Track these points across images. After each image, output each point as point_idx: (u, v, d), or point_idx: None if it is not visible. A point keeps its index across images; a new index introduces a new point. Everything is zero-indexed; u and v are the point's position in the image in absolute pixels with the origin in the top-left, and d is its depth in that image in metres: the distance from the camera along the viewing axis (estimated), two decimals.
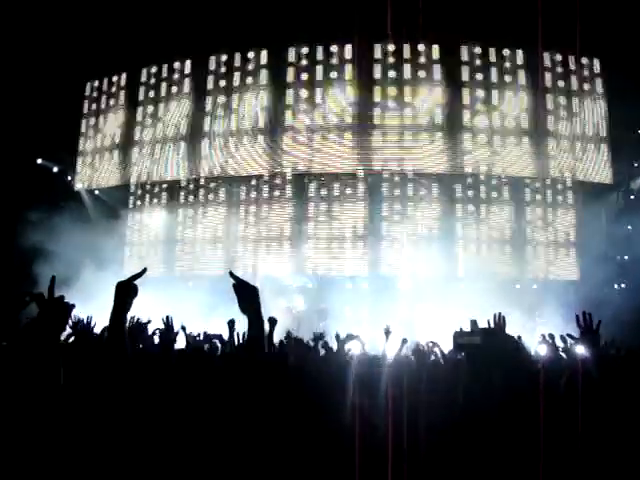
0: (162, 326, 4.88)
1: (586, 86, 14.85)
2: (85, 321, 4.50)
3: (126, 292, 2.48)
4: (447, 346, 6.42)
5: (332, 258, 14.35)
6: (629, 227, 13.96)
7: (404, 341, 5.60)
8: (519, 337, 5.71)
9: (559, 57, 14.89)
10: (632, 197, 14.26)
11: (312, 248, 14.41)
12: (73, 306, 2.70)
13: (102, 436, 2.54)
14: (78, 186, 16.35)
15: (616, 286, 13.77)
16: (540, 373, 2.96)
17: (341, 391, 3.82)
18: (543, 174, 14.63)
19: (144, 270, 2.43)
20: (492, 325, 3.20)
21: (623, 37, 12.88)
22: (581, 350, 3.40)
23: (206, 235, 15.08)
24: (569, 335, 3.11)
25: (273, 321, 5.67)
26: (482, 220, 14.44)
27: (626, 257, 13.91)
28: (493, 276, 14.10)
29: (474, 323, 5.78)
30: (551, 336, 5.95)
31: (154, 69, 16.06)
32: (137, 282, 2.47)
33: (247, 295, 2.27)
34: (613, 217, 13.69)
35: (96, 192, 16.16)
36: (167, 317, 4.89)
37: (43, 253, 14.36)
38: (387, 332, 5.71)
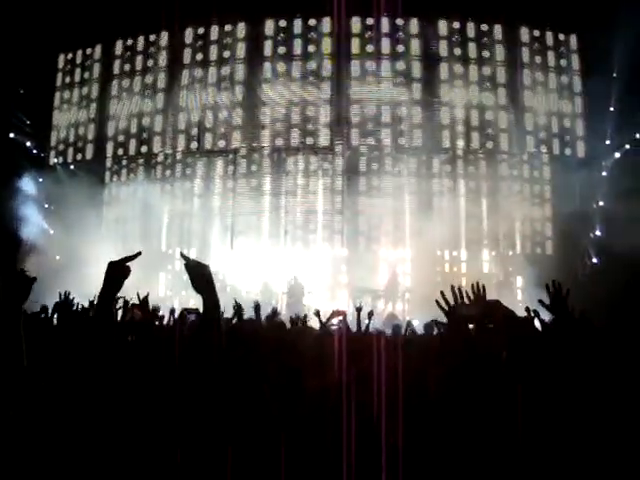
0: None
1: (563, 62, 14.93)
2: (63, 296, 4.44)
3: (118, 272, 2.48)
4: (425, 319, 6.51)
5: (310, 232, 14.41)
6: (601, 203, 14.18)
7: (370, 314, 5.64)
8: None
9: (537, 33, 14.94)
10: (604, 174, 14.44)
11: (290, 222, 14.45)
12: (34, 279, 2.70)
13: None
14: (53, 161, 16.12)
15: (593, 261, 14.05)
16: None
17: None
18: (520, 149, 14.74)
19: (138, 253, 2.42)
20: (471, 295, 3.24)
21: (599, 14, 12.96)
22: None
23: (184, 209, 15.00)
24: (539, 301, 3.16)
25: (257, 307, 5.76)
26: (459, 195, 14.54)
27: (598, 233, 14.15)
28: (470, 251, 14.36)
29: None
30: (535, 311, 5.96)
31: (129, 41, 15.77)
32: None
33: (199, 274, 2.27)
34: (586, 193, 13.88)
35: (71, 167, 15.93)
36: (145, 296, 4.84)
37: (23, 229, 14.26)
38: (359, 309, 5.62)
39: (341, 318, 5.59)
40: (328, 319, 5.47)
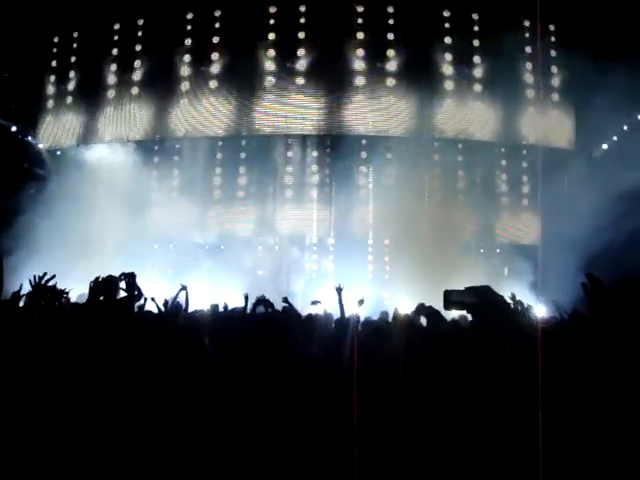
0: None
1: (546, 52, 14.88)
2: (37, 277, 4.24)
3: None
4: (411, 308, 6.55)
5: (298, 220, 14.41)
6: (585, 194, 14.22)
7: (361, 302, 5.78)
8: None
9: (526, 23, 14.88)
10: (591, 165, 14.50)
11: (279, 210, 14.44)
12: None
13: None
14: (40, 146, 15.91)
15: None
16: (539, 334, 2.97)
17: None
18: (509, 139, 14.76)
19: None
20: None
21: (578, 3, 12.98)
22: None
23: (172, 196, 14.91)
24: (582, 284, 3.03)
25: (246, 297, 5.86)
26: (448, 184, 14.55)
27: (582, 225, 14.19)
28: (458, 240, 14.37)
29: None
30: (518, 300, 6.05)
31: (116, 26, 15.57)
32: None
33: None
34: (574, 184, 13.94)
35: (58, 152, 15.74)
36: (132, 274, 4.73)
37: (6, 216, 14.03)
38: (339, 289, 5.82)
39: (320, 304, 5.78)
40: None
